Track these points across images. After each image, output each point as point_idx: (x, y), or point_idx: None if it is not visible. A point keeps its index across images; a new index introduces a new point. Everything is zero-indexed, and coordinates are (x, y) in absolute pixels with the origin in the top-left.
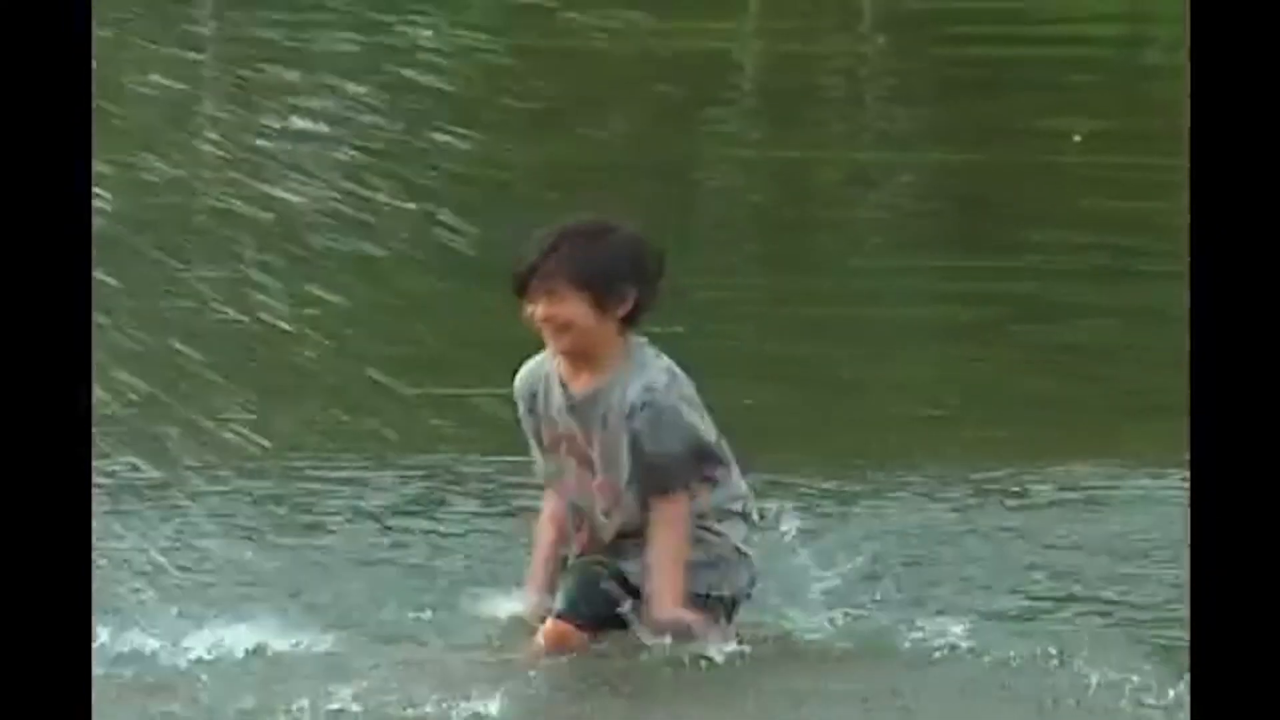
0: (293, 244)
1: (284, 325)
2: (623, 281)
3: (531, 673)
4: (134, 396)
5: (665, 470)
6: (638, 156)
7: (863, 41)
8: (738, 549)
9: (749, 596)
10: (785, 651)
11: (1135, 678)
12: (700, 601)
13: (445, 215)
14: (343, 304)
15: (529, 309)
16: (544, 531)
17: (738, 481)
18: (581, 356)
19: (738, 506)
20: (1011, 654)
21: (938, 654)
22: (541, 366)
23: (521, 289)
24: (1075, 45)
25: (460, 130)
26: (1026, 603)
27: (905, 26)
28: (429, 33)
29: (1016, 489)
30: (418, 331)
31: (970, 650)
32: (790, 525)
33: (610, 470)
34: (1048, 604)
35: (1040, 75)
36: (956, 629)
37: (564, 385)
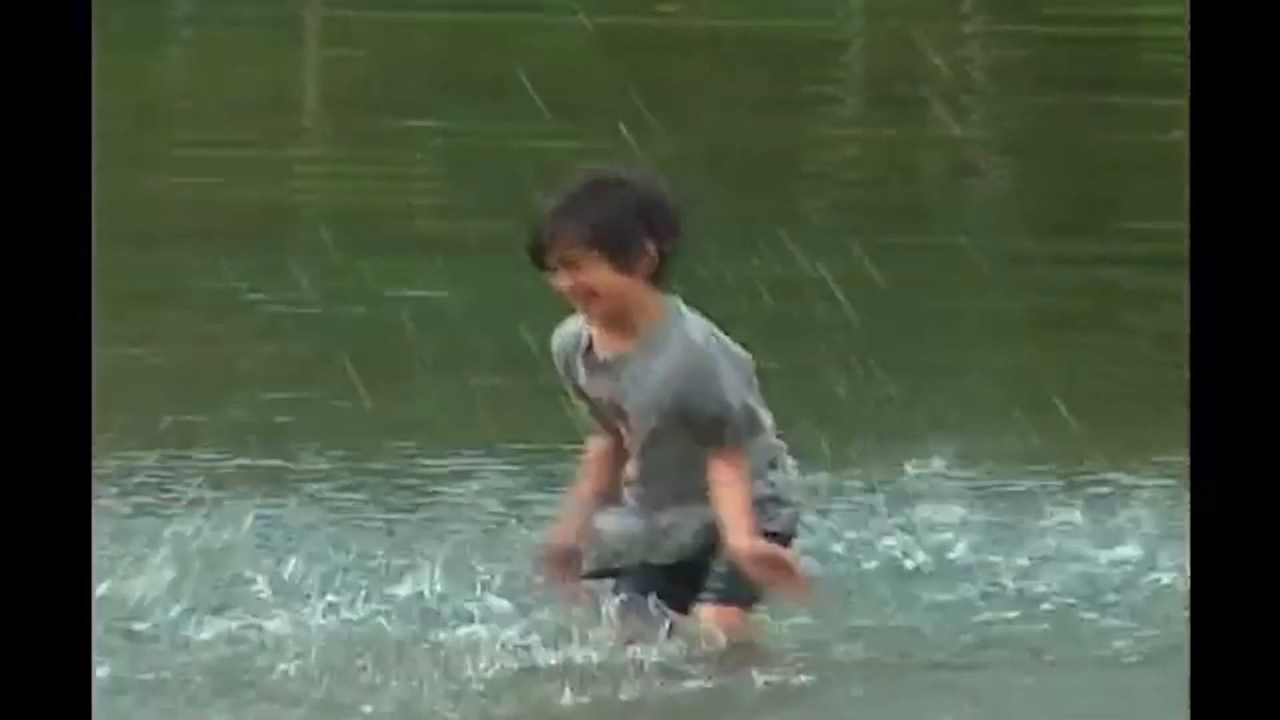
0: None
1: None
2: (639, 236)
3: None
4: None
5: (714, 424)
6: (739, 140)
7: (964, 22)
8: (776, 499)
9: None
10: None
11: None
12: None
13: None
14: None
15: (552, 280)
16: (584, 473)
17: (770, 435)
18: (615, 319)
19: (772, 457)
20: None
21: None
22: (577, 330)
23: (539, 262)
24: (1179, 25)
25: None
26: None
27: (1006, 6)
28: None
29: (1124, 479)
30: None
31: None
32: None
33: (644, 429)
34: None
35: (1142, 56)
36: (1096, 620)
37: (590, 347)
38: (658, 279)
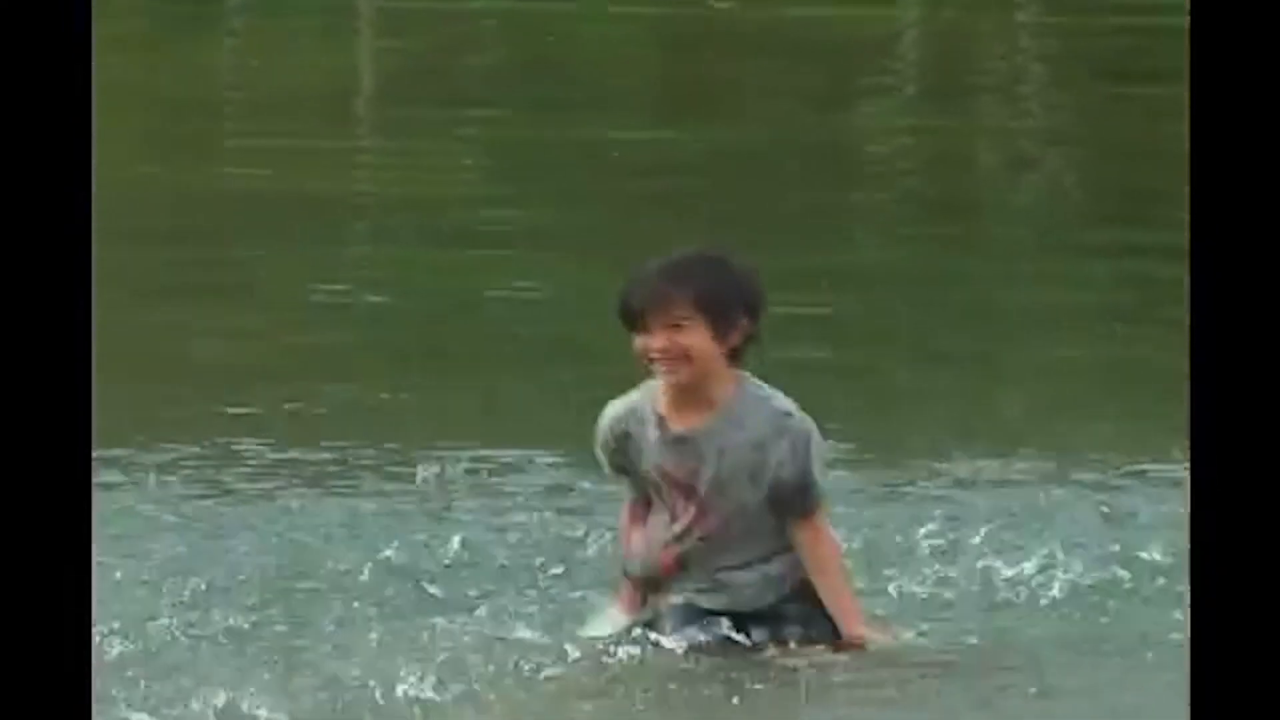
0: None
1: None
2: (738, 309)
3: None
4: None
5: (805, 493)
6: (792, 132)
7: (1018, 11)
8: None
9: None
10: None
11: None
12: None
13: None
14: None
15: (643, 341)
16: (628, 530)
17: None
18: (692, 390)
19: None
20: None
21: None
22: (633, 406)
23: (639, 322)
24: None
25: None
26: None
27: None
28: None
29: (1175, 472)
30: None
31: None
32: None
33: (720, 500)
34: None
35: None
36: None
37: (662, 422)
38: (734, 356)
